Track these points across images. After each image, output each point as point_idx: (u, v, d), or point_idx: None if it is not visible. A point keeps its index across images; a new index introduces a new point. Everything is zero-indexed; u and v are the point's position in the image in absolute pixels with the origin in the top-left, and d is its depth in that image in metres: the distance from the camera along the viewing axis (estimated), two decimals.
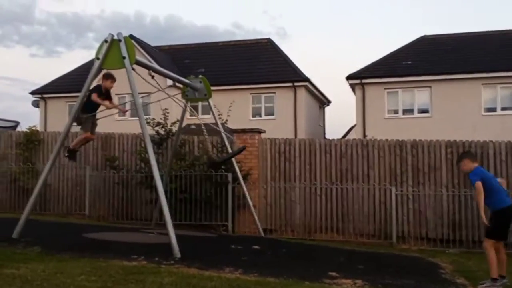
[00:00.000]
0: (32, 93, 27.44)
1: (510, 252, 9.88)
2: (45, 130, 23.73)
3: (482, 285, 6.57)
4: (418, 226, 11.37)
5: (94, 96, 8.38)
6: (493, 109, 21.85)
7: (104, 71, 8.46)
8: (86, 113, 8.49)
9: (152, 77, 8.53)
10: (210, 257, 7.21)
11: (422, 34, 26.16)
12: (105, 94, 8.61)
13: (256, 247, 8.60)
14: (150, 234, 9.60)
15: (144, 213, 12.34)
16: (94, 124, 8.84)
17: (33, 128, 14.17)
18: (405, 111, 22.86)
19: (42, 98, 27.19)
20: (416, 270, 7.79)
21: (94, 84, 8.44)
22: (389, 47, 75.75)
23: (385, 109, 22.85)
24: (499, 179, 7.19)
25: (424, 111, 22.57)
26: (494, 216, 6.71)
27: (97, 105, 8.55)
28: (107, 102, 8.58)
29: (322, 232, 11.74)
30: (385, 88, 22.84)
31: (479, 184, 6.57)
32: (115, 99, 24.62)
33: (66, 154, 9.17)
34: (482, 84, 21.70)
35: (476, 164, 6.94)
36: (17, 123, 20.61)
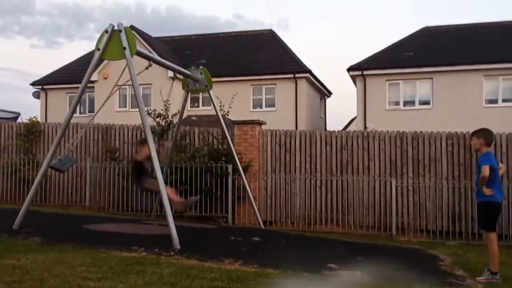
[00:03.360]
0: (33, 84, 27.41)
1: (510, 244, 10.02)
2: (46, 121, 23.74)
3: (481, 278, 6.57)
4: (418, 218, 11.39)
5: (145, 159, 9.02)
6: (494, 101, 21.79)
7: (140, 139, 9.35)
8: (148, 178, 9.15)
9: (150, 66, 8.55)
10: (210, 249, 7.24)
11: (424, 25, 26.05)
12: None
13: (256, 238, 8.62)
14: (150, 225, 9.62)
15: (144, 204, 12.36)
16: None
17: (34, 119, 14.16)
18: (406, 103, 22.80)
19: (43, 89, 27.16)
20: (415, 262, 7.81)
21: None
22: (391, 38, 75.57)
23: (386, 101, 22.79)
24: (500, 165, 7.18)
25: (425, 102, 22.51)
26: (488, 207, 6.69)
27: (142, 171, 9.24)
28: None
29: (322, 224, 11.76)
30: (386, 80, 22.77)
31: (486, 168, 6.53)
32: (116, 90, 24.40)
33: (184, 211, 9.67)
34: (484, 75, 21.61)
35: (489, 149, 6.93)
36: (18, 114, 20.59)
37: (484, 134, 7.04)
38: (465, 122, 17.81)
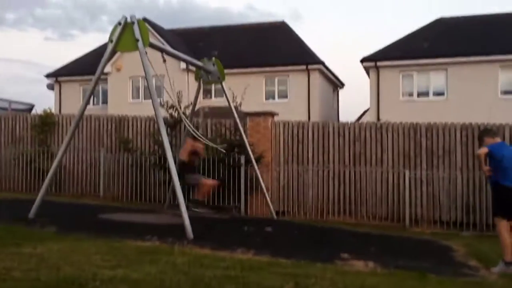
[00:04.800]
0: (47, 76, 27.63)
1: None
2: (60, 112, 23.93)
3: (495, 269, 6.53)
4: (431, 209, 11.33)
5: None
6: (510, 92, 21.47)
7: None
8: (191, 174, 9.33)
9: (164, 60, 8.55)
10: (223, 238, 7.28)
11: (439, 16, 25.73)
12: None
13: (269, 229, 8.65)
14: (163, 215, 9.70)
15: (157, 194, 12.44)
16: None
17: (48, 110, 14.30)
18: (420, 94, 22.59)
19: (57, 81, 27.38)
20: (429, 253, 7.79)
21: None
22: (405, 29, 74.82)
23: (399, 92, 22.60)
24: None
25: (440, 93, 22.28)
26: (494, 192, 6.83)
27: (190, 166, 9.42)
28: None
29: (334, 214, 11.75)
30: (400, 71, 22.57)
31: (482, 149, 6.76)
32: (128, 82, 24.62)
33: (197, 209, 9.49)
34: (500, 66, 21.32)
35: (498, 139, 6.98)
36: (32, 106, 20.78)
37: (483, 134, 7.30)
38: (480, 113, 17.60)
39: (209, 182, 9.76)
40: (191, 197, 9.79)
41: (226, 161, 11.73)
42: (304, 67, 24.34)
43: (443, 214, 11.26)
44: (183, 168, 9.15)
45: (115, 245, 6.09)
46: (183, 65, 21.93)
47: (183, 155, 9.55)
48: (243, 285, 4.36)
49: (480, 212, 10.97)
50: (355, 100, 46.04)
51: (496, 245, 6.99)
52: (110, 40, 7.97)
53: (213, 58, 10.54)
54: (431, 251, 8.10)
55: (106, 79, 23.90)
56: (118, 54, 21.67)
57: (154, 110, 7.94)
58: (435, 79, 22.35)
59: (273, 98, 24.92)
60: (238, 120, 10.69)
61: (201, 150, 10.05)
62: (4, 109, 18.73)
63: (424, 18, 76.45)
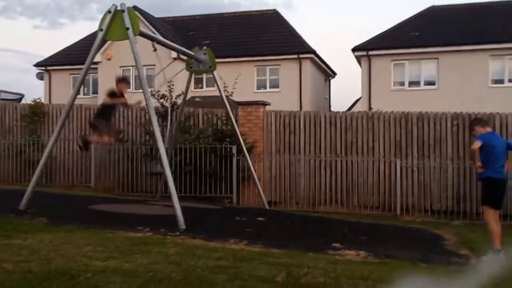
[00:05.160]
0: (36, 65, 27.35)
1: None
2: (50, 102, 23.73)
3: (485, 257, 6.58)
4: (422, 198, 11.41)
5: (106, 99, 8.27)
6: (500, 81, 21.58)
7: (116, 75, 8.33)
8: (102, 119, 8.39)
9: (155, 49, 8.45)
10: (215, 229, 7.27)
11: (430, 5, 25.69)
12: (119, 96, 8.32)
13: (261, 219, 8.65)
14: (155, 206, 9.67)
15: (149, 185, 12.41)
16: (110, 129, 8.66)
17: (38, 100, 14.17)
18: (412, 83, 22.62)
19: (46, 70, 27.10)
20: (420, 242, 7.84)
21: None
22: (397, 18, 74.80)
23: (391, 81, 22.62)
24: None
25: (431, 83, 22.33)
26: (482, 183, 6.99)
27: (111, 110, 8.43)
28: (122, 99, 8.29)
29: (326, 204, 11.80)
30: (391, 60, 22.58)
31: (476, 144, 6.83)
32: (119, 71, 24.33)
33: (80, 145, 8.82)
34: (490, 55, 21.38)
35: (488, 129, 7.06)
36: (22, 96, 20.59)
37: (474, 123, 7.43)
38: (470, 103, 17.71)
39: (106, 138, 8.79)
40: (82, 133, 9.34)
41: (218, 151, 11.70)
42: (295, 56, 24.27)
43: (434, 203, 11.33)
44: (99, 109, 8.73)
45: (106, 236, 6.06)
46: (174, 54, 21.70)
47: (106, 100, 8.58)
48: (235, 276, 4.36)
49: (470, 201, 11.05)
50: (346, 90, 46.14)
51: (486, 234, 7.06)
52: (100, 29, 7.87)
53: (204, 47, 10.47)
54: (422, 240, 8.15)
55: (96, 69, 23.71)
56: (108, 43, 21.49)
57: (145, 100, 7.88)
58: (427, 68, 22.39)
59: (265, 87, 24.85)
60: (229, 110, 10.65)
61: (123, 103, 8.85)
62: None
63: (416, 6, 76.33)
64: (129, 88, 8.62)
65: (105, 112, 8.42)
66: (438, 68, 21.98)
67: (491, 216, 6.75)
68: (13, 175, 13.43)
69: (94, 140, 9.16)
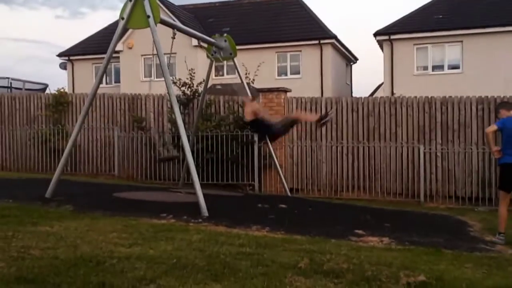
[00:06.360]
0: (59, 55, 27.67)
1: None
2: (73, 91, 24.04)
3: (494, 239, 6.71)
4: (446, 184, 11.26)
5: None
6: None
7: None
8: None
9: (174, 37, 8.46)
10: (237, 216, 7.31)
11: None
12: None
13: (283, 205, 8.66)
14: (178, 193, 9.76)
15: (171, 173, 12.51)
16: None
17: (62, 90, 14.37)
18: (435, 68, 22.25)
19: (69, 60, 27.41)
20: (444, 228, 7.75)
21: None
22: (419, 1, 73.32)
23: (414, 66, 22.27)
24: None
25: (455, 67, 21.92)
26: (500, 167, 7.02)
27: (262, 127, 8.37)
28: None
29: (348, 191, 11.74)
30: (414, 44, 22.19)
31: (490, 127, 6.97)
32: (140, 60, 24.48)
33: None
34: None
35: (509, 114, 6.91)
36: (46, 86, 20.94)
37: (500, 106, 7.48)
38: (496, 86, 17.32)
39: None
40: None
41: (239, 138, 11.72)
42: (316, 42, 24.05)
43: (458, 189, 11.18)
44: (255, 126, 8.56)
45: (131, 223, 6.14)
46: (194, 41, 21.73)
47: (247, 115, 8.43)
48: (258, 262, 4.38)
49: (495, 186, 10.85)
50: (368, 75, 45.59)
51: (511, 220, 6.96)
52: (121, 17, 7.92)
53: (225, 34, 10.45)
54: (446, 226, 8.06)
55: (118, 58, 23.87)
56: (129, 31, 21.60)
57: (167, 88, 7.91)
58: (450, 52, 21.97)
59: (286, 74, 24.73)
60: (250, 97, 10.63)
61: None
62: (19, 89, 18.87)
63: None
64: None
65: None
66: (463, 52, 21.55)
67: (504, 201, 6.84)
68: (39, 164, 13.68)
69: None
